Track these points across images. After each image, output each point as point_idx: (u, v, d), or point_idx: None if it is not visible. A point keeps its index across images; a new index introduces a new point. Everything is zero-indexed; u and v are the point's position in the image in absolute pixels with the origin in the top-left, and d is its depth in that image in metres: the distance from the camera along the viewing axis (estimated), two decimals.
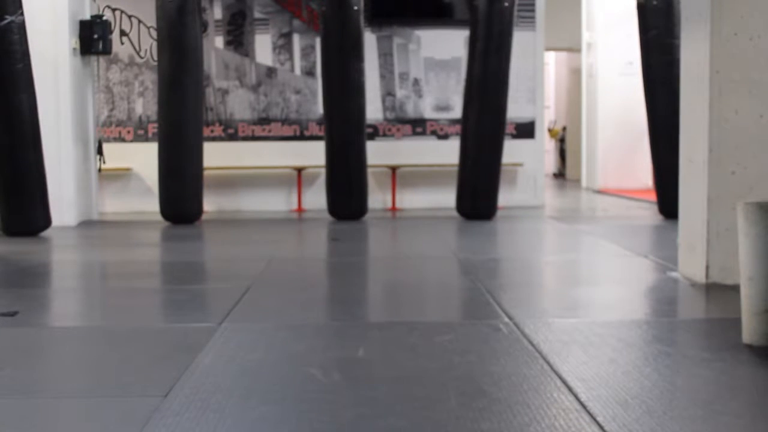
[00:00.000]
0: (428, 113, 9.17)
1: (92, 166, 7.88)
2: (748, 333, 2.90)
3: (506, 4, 7.48)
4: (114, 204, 8.71)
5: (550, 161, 14.55)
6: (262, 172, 9.00)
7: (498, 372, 2.58)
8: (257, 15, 9.04)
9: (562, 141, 15.04)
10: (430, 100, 9.18)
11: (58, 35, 7.21)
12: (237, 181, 8.97)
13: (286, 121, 9.04)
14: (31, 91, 6.47)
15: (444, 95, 9.20)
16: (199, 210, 7.64)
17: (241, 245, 6.23)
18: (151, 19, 8.36)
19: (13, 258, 5.57)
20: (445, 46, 9.14)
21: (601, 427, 2.09)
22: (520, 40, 8.42)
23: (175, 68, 7.42)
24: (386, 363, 2.79)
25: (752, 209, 2.89)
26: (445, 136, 9.13)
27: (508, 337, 3.06)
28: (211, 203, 8.60)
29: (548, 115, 14.21)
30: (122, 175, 8.89)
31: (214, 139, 8.84)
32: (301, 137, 9.01)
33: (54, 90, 7.13)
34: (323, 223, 7.47)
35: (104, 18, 7.73)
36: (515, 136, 9.09)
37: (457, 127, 8.55)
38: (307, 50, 9.06)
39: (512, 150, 8.77)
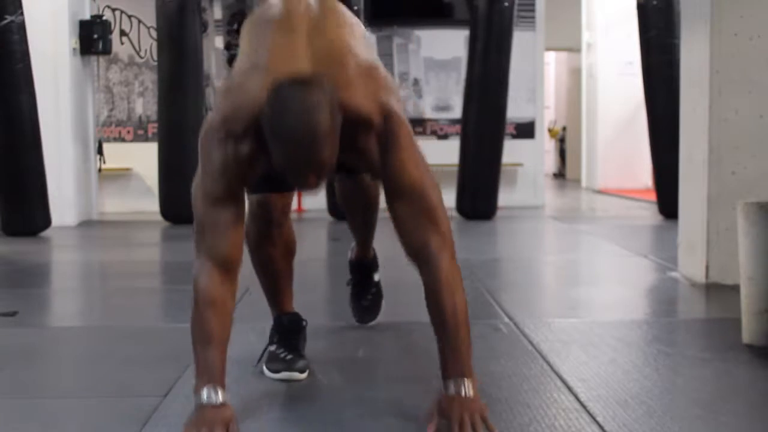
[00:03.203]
0: (428, 113, 9.17)
1: (92, 166, 7.88)
2: (748, 333, 2.90)
3: (506, 4, 7.48)
4: (114, 204, 8.71)
5: (550, 161, 14.55)
6: None
7: (498, 372, 2.58)
8: None
9: (562, 141, 15.04)
10: (430, 100, 9.18)
11: (58, 35, 7.21)
12: None
13: None
14: (31, 91, 6.47)
15: (444, 95, 9.19)
16: None
17: None
18: (151, 19, 8.36)
19: (13, 258, 5.57)
20: (445, 46, 9.13)
21: (601, 427, 2.09)
22: (520, 40, 8.42)
23: (175, 68, 7.42)
24: (386, 363, 2.80)
25: (752, 209, 2.89)
26: (445, 136, 9.13)
27: (508, 337, 3.06)
28: None
29: (548, 115, 14.20)
30: (122, 175, 8.89)
31: None
32: None
33: (54, 90, 7.13)
34: (323, 223, 7.47)
35: (104, 18, 7.73)
36: (515, 136, 9.09)
37: (457, 127, 8.55)
38: None
39: (512, 150, 8.76)
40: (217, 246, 2.10)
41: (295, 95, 1.92)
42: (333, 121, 1.94)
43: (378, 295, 3.22)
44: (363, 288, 3.20)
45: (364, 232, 3.10)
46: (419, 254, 2.12)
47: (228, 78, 2.22)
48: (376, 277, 3.22)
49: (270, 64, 2.11)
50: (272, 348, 2.60)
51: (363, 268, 3.18)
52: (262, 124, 1.96)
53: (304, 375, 2.54)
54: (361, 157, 2.11)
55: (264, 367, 2.58)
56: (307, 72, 2.05)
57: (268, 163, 2.05)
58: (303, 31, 2.18)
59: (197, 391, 2.01)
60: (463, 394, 1.99)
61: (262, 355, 2.63)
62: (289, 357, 2.55)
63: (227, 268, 2.11)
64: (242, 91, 2.09)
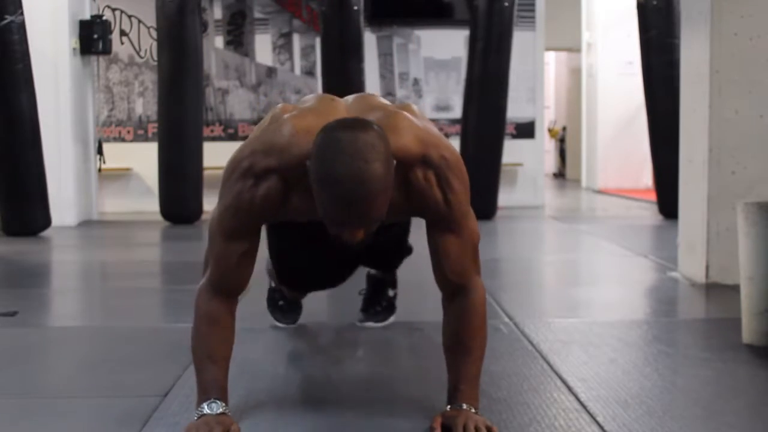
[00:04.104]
0: (428, 113, 9.16)
1: (92, 166, 7.88)
2: (748, 333, 2.90)
3: (506, 4, 7.48)
4: (114, 204, 8.71)
5: (550, 161, 14.55)
6: None
7: (498, 372, 2.58)
8: (257, 15, 9.04)
9: (562, 141, 15.04)
10: (430, 100, 9.18)
11: (58, 35, 7.21)
12: None
13: None
14: (31, 91, 6.47)
15: (444, 95, 9.20)
16: (199, 210, 7.64)
17: None
18: (151, 19, 8.36)
19: (13, 258, 5.57)
20: (445, 46, 9.14)
21: (600, 426, 2.09)
22: (520, 40, 8.42)
23: (175, 68, 7.42)
24: (386, 363, 2.79)
25: (752, 209, 2.89)
26: (445, 136, 9.12)
27: (508, 337, 3.06)
28: (211, 203, 8.59)
29: (548, 115, 14.21)
30: (122, 175, 8.89)
31: (214, 139, 8.85)
32: None
33: (54, 90, 7.13)
34: None
35: (104, 18, 7.73)
36: (515, 136, 9.09)
37: (457, 127, 8.55)
38: (307, 50, 9.07)
39: (512, 150, 8.76)
40: (226, 278, 2.09)
41: (348, 138, 1.79)
42: (388, 167, 1.83)
43: (387, 310, 3.23)
44: (374, 301, 3.23)
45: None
46: (459, 282, 2.15)
47: (269, 114, 2.17)
48: (391, 292, 3.22)
49: (313, 107, 2.13)
50: (274, 286, 3.12)
51: (379, 282, 3.21)
52: (307, 170, 1.86)
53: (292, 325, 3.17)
54: (411, 199, 2.05)
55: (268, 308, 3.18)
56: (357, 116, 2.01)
57: (285, 213, 2.05)
58: (345, 101, 2.27)
59: (198, 406, 2.01)
60: (470, 411, 2.03)
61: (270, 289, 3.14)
62: (286, 307, 3.18)
63: (232, 294, 2.13)
64: (279, 130, 2.02)
